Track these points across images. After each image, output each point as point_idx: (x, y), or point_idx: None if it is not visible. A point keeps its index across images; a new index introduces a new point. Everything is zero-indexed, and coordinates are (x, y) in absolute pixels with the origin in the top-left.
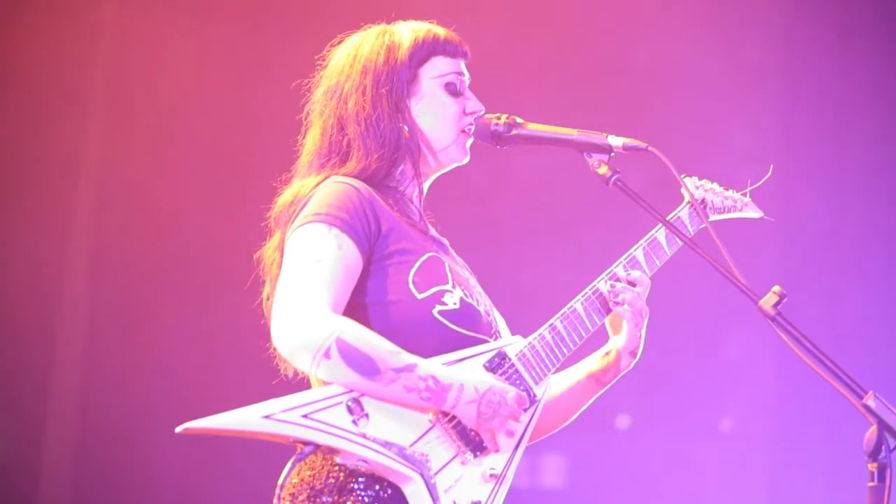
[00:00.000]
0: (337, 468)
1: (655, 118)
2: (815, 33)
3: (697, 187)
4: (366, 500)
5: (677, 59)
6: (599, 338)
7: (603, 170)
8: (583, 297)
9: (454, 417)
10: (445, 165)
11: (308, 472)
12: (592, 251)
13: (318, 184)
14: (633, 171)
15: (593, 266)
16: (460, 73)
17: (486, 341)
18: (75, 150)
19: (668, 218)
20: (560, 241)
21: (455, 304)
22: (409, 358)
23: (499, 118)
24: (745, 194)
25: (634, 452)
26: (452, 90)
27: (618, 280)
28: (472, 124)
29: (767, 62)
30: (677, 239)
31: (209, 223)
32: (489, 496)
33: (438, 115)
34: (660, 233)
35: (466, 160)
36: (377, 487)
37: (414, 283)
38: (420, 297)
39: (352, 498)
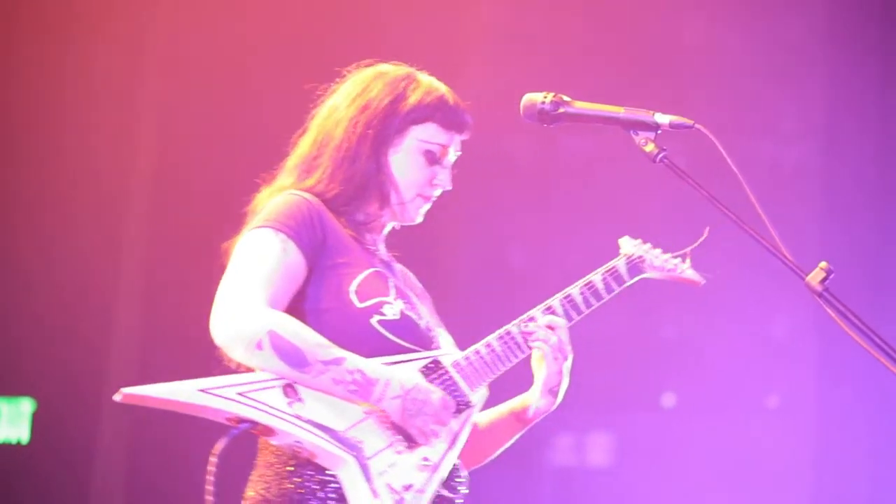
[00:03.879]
0: (291, 485)
1: (700, 97)
2: (858, 13)
3: (636, 246)
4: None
5: (723, 39)
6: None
7: (650, 147)
8: (519, 321)
9: None
10: (398, 219)
11: (262, 486)
12: (639, 229)
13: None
14: (679, 150)
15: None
16: (446, 146)
17: (423, 352)
18: (128, 149)
19: (604, 268)
20: (607, 220)
21: (395, 314)
22: (339, 352)
23: (545, 96)
24: (684, 259)
25: (680, 431)
26: (430, 158)
27: (535, 321)
28: (432, 196)
29: (811, 41)
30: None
31: None
32: (424, 482)
33: (406, 172)
34: (596, 276)
35: (415, 222)
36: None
37: (356, 292)
38: (360, 305)
39: None
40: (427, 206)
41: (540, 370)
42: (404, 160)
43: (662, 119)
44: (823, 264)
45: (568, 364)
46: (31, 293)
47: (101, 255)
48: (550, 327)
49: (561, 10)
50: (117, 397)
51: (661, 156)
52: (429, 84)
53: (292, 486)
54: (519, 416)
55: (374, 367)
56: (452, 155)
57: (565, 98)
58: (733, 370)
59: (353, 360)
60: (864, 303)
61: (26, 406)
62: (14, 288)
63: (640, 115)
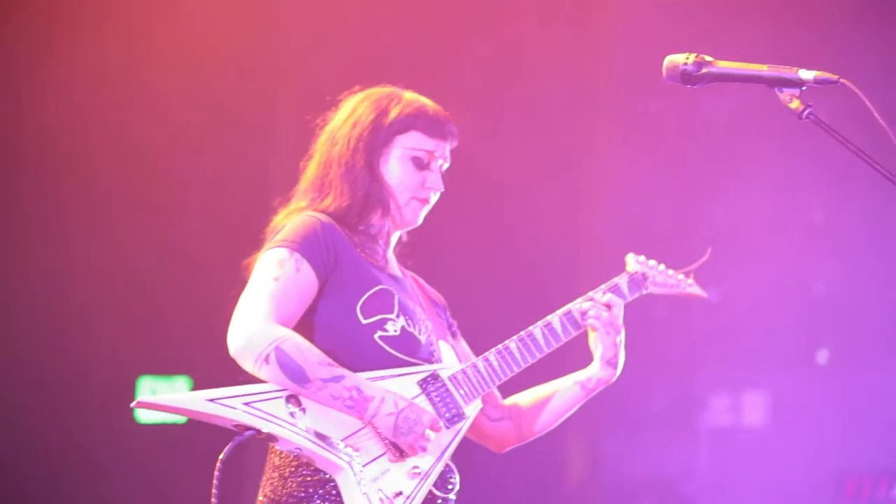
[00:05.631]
0: (294, 486)
1: (843, 50)
2: None
3: (640, 263)
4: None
5: None
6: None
7: (795, 104)
8: (517, 337)
9: None
10: (401, 225)
11: (269, 489)
12: (783, 186)
13: (294, 214)
14: (823, 105)
15: (784, 200)
16: (433, 152)
17: (423, 365)
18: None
19: (605, 285)
20: (751, 177)
21: (396, 331)
22: (339, 370)
23: (688, 57)
24: (688, 275)
25: (834, 387)
26: (418, 163)
27: (593, 300)
28: (427, 199)
29: None
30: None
31: None
32: (413, 490)
33: (396, 178)
34: (597, 293)
35: (416, 224)
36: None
37: (361, 309)
38: (365, 322)
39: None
40: (426, 209)
41: (597, 346)
42: (394, 167)
43: (807, 75)
44: None
45: (621, 338)
46: (185, 275)
47: (255, 240)
48: (608, 305)
49: None
50: (133, 405)
51: (806, 112)
52: (410, 98)
53: (295, 486)
54: (584, 386)
55: (371, 385)
56: (441, 160)
57: (707, 58)
58: (885, 324)
59: (352, 379)
60: None
61: (182, 384)
62: (169, 270)
63: (784, 71)
